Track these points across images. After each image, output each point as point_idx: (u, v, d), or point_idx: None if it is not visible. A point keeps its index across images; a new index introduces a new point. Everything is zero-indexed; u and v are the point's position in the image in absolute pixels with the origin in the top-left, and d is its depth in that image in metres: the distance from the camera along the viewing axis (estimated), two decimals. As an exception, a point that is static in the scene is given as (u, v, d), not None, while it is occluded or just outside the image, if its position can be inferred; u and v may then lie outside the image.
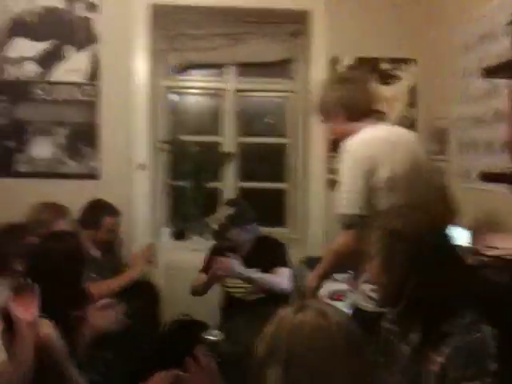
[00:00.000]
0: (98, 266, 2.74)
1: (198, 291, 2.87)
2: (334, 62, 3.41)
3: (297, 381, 0.96)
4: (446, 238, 1.42)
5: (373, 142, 1.93)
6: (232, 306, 2.87)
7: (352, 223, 1.87)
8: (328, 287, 2.61)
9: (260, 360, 1.01)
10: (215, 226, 2.86)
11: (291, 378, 0.96)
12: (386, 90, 3.39)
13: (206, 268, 2.88)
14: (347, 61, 3.39)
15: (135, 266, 2.84)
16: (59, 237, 2.14)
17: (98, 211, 2.90)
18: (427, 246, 1.35)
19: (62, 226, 2.56)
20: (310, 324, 1.00)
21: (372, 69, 3.39)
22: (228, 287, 2.89)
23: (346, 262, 2.08)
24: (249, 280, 2.71)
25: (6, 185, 3.25)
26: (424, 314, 1.36)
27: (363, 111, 2.06)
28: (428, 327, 1.35)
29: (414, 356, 1.38)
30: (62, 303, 1.97)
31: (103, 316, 2.16)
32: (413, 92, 3.41)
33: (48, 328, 1.81)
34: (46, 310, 1.83)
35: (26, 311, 1.73)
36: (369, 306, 1.86)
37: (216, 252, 2.93)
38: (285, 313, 1.05)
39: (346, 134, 2.01)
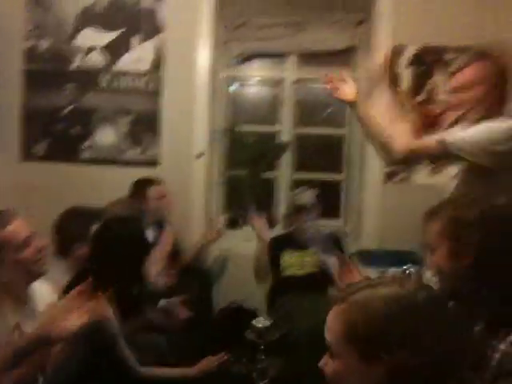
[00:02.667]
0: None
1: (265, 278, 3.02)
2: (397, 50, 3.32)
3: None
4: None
5: None
6: (282, 284, 2.96)
7: (446, 149, 1.79)
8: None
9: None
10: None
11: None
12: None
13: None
14: (411, 50, 3.30)
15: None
16: (121, 221, 2.21)
17: (141, 185, 2.99)
18: (495, 235, 1.33)
19: None
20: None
21: (436, 58, 3.28)
22: (281, 268, 2.99)
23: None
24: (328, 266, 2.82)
25: (71, 170, 3.41)
26: (488, 306, 1.33)
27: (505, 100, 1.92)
28: (491, 320, 1.32)
29: (479, 345, 1.35)
30: (122, 285, 2.05)
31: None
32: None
33: (105, 308, 1.89)
34: (105, 290, 1.91)
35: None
36: None
37: (279, 249, 3.01)
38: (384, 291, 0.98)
39: (479, 115, 1.87)
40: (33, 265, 1.73)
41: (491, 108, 1.88)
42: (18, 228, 1.71)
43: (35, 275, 1.76)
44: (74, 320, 1.45)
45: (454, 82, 1.96)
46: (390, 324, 0.93)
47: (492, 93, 1.87)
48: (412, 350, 0.91)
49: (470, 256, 1.32)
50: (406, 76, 3.33)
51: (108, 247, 2.02)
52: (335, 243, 3.02)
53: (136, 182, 3.02)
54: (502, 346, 1.27)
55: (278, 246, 3.03)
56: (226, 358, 2.11)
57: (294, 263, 2.98)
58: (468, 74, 1.91)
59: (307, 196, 3.00)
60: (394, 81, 2.13)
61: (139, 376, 1.93)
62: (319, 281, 2.86)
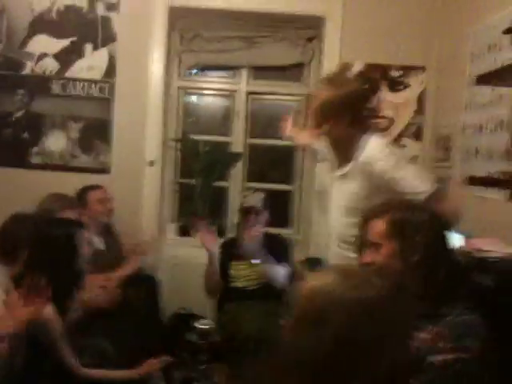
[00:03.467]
0: (102, 257, 2.83)
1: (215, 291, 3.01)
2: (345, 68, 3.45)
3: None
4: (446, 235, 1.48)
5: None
6: (230, 295, 2.97)
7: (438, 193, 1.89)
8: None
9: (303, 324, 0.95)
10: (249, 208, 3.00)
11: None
12: (395, 97, 3.42)
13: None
14: (357, 67, 3.43)
15: (131, 261, 2.94)
16: (57, 223, 2.20)
17: (82, 192, 3.03)
18: (437, 239, 1.43)
19: (69, 215, 2.65)
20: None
21: (382, 76, 3.43)
22: (230, 278, 2.99)
23: None
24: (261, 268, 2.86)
25: (20, 175, 3.38)
26: (424, 299, 1.38)
27: (367, 116, 2.05)
28: (428, 311, 1.38)
29: None
30: (60, 288, 2.04)
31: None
32: (421, 99, 3.43)
33: (48, 309, 1.89)
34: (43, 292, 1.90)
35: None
36: None
37: (227, 254, 3.02)
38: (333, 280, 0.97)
39: (347, 140, 2.00)
40: None
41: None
42: None
43: None
44: (9, 321, 1.44)
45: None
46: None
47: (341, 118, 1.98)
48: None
49: (416, 255, 1.39)
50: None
51: (43, 248, 2.01)
52: (283, 248, 3.07)
53: (79, 189, 3.04)
54: (431, 336, 1.34)
55: (225, 254, 3.06)
56: (168, 360, 2.13)
57: (241, 275, 2.99)
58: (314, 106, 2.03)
59: (254, 198, 3.04)
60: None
61: (81, 377, 1.93)
62: (265, 292, 2.88)
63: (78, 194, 3.00)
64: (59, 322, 1.93)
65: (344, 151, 2.05)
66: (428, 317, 1.38)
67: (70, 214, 2.65)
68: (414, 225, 1.41)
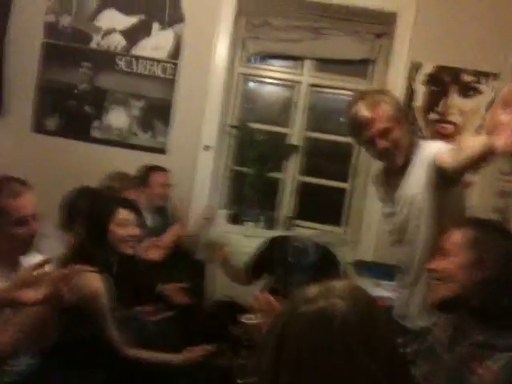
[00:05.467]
0: (150, 235, 2.87)
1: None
2: (414, 67, 3.34)
3: (283, 372, 0.91)
4: None
5: None
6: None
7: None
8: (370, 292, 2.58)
9: (260, 344, 1.00)
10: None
11: (278, 368, 0.92)
12: (465, 103, 3.29)
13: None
14: (428, 68, 3.31)
15: (180, 221, 3.02)
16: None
17: (146, 171, 3.08)
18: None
19: (131, 196, 2.69)
20: (309, 318, 0.93)
21: (453, 79, 3.30)
22: None
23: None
24: None
25: (81, 148, 3.44)
26: (481, 324, 1.36)
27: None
28: (482, 339, 1.35)
29: (458, 366, 1.37)
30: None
31: None
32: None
33: (98, 282, 1.92)
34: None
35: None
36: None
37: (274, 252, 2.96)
38: (297, 297, 0.98)
39: (407, 144, 1.97)
40: (20, 242, 1.72)
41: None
42: (25, 203, 1.69)
43: (19, 251, 1.76)
44: (39, 290, 1.46)
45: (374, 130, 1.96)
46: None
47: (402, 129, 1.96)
48: None
49: (484, 273, 1.37)
50: (421, 93, 3.34)
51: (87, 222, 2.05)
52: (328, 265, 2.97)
53: (144, 166, 3.08)
54: (480, 370, 1.29)
55: (271, 250, 3.00)
56: (210, 350, 2.12)
57: None
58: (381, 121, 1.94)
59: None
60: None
61: (126, 356, 1.94)
62: None
63: (141, 173, 3.03)
64: (107, 296, 1.95)
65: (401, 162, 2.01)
66: (482, 345, 1.33)
67: (132, 195, 2.69)
68: (491, 243, 1.39)
